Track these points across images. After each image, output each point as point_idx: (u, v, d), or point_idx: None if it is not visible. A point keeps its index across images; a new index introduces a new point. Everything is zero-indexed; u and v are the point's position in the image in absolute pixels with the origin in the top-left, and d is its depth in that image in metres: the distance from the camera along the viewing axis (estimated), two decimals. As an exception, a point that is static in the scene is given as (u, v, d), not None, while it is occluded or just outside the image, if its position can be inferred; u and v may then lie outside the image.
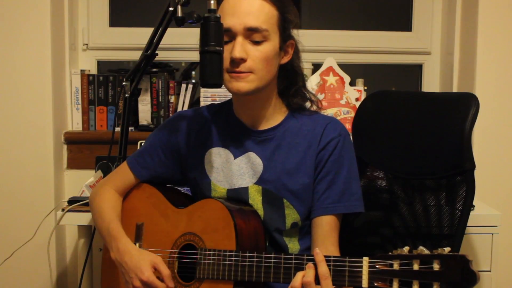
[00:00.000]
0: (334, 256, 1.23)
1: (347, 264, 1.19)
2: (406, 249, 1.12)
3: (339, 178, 1.45)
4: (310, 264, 1.24)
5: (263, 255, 1.32)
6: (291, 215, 1.46)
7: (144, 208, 1.57)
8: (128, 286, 1.42)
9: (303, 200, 1.46)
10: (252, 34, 1.38)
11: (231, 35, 1.39)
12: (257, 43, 1.39)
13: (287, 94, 1.51)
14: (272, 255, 1.31)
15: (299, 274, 1.24)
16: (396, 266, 1.11)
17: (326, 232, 1.44)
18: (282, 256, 1.30)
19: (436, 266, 1.07)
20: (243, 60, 1.38)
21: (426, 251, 1.09)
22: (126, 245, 1.44)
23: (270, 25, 1.39)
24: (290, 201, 1.45)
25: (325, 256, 1.24)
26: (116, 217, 1.53)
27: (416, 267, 1.09)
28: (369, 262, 1.16)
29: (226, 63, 1.39)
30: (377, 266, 1.14)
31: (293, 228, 1.47)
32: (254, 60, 1.38)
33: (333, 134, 1.46)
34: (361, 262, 1.17)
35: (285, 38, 1.45)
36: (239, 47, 1.37)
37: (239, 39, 1.38)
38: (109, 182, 1.62)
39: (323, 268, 1.22)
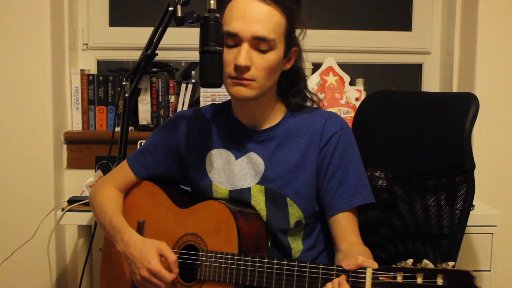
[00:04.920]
0: (337, 266, 1.22)
1: (350, 274, 1.18)
2: (410, 261, 1.10)
3: (350, 173, 1.45)
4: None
5: (265, 260, 1.31)
6: (295, 214, 1.46)
7: (146, 206, 1.56)
8: (135, 277, 1.41)
9: (305, 197, 1.46)
10: (259, 43, 1.36)
11: (237, 40, 1.37)
12: (262, 51, 1.37)
13: (287, 94, 1.51)
14: (275, 261, 1.30)
15: None
16: (399, 278, 1.10)
17: (345, 226, 1.44)
18: (285, 262, 1.29)
19: (439, 281, 1.05)
20: (247, 68, 1.37)
21: (430, 265, 1.07)
22: (131, 235, 1.44)
23: (277, 35, 1.38)
24: (293, 199, 1.45)
25: (328, 266, 1.23)
26: (118, 211, 1.53)
27: (419, 280, 1.07)
28: (373, 274, 1.15)
29: (230, 68, 1.37)
30: (380, 278, 1.13)
31: (297, 226, 1.47)
32: (258, 68, 1.37)
33: (334, 129, 1.46)
34: (365, 273, 1.16)
35: (290, 45, 1.44)
36: (245, 55, 1.35)
37: (245, 46, 1.36)
38: (109, 179, 1.62)
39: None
